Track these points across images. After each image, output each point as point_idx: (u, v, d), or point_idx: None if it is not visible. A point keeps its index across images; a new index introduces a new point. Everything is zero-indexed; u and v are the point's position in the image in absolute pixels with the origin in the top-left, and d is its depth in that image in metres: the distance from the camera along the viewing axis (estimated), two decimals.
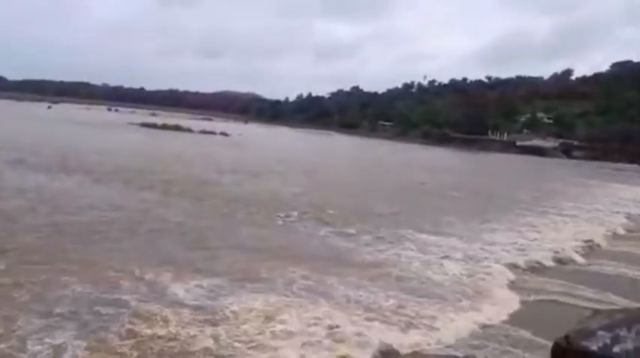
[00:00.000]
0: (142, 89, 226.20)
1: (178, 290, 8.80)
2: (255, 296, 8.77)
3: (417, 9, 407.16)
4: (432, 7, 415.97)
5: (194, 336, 7.15)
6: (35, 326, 7.05)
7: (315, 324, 7.78)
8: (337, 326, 7.74)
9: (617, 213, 23.82)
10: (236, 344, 7.03)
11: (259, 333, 7.35)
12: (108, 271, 9.46)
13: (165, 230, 13.20)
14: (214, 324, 7.58)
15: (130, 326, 7.27)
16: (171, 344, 6.93)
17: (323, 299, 8.95)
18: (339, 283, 9.89)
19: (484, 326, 8.55)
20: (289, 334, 7.38)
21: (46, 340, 6.72)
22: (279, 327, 7.56)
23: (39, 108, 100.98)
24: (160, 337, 7.06)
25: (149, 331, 7.20)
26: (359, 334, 7.56)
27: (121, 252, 10.92)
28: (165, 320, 7.53)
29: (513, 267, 12.38)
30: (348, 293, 9.40)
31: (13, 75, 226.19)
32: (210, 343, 7.01)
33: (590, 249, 15.50)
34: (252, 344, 7.04)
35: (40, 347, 6.53)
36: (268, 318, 7.84)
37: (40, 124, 53.72)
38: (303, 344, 7.13)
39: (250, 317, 7.83)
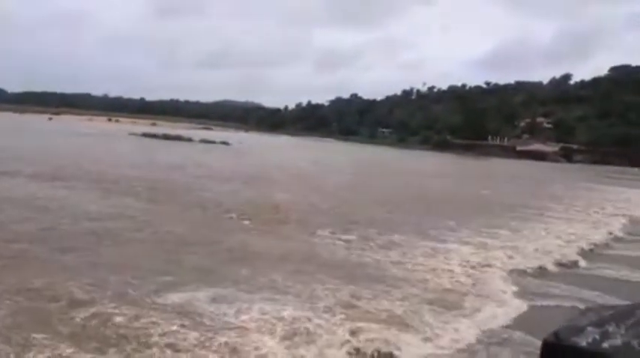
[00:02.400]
0: (142, 99, 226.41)
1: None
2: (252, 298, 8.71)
3: (416, 16, 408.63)
4: (431, 14, 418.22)
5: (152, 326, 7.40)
6: None
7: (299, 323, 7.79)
8: (321, 326, 7.73)
9: (619, 215, 23.73)
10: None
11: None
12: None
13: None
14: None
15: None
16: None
17: (304, 298, 8.98)
18: (323, 284, 9.85)
19: (486, 331, 8.45)
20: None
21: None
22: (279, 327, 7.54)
23: (39, 120, 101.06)
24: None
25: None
26: (353, 333, 7.56)
27: (101, 256, 10.97)
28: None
29: (515, 271, 12.26)
30: (334, 294, 9.36)
31: (13, 87, 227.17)
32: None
33: (592, 252, 15.40)
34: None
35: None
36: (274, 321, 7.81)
37: (40, 136, 53.59)
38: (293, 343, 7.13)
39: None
